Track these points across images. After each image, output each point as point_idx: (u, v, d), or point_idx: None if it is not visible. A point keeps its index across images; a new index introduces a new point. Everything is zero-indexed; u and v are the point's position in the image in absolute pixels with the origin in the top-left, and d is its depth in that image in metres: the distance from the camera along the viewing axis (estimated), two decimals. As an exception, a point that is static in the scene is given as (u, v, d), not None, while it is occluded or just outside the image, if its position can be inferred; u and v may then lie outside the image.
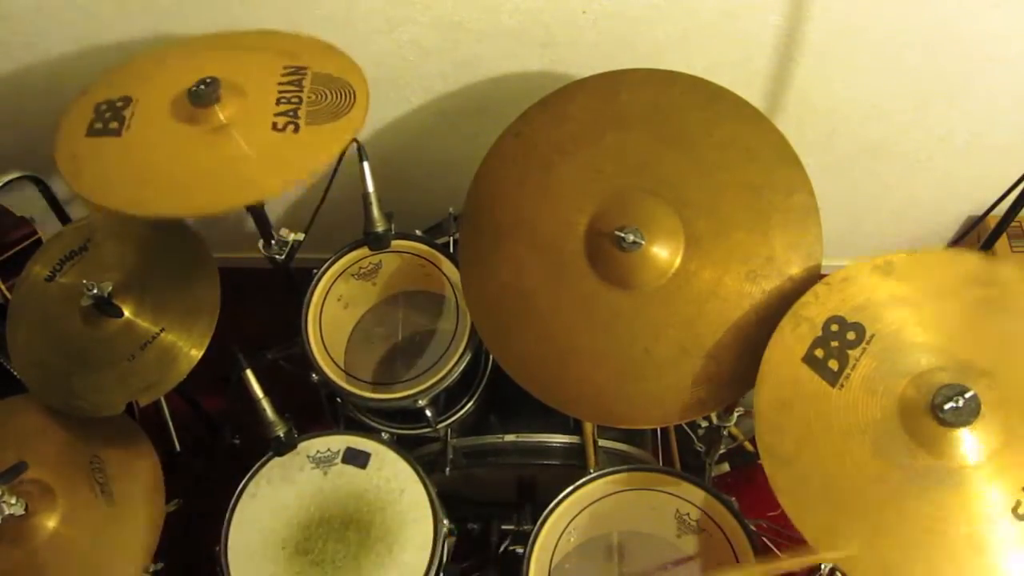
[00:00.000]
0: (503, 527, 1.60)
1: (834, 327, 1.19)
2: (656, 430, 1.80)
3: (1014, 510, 1.06)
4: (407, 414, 1.58)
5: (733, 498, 1.42)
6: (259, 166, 1.27)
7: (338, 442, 1.47)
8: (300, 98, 1.30)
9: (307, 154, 1.28)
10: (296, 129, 1.28)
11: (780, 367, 1.19)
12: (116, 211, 1.27)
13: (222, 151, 1.29)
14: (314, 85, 1.32)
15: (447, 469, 1.58)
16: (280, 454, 1.45)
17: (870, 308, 1.19)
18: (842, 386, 1.16)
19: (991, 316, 1.17)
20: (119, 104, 1.33)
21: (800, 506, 1.12)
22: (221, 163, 1.28)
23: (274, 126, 1.28)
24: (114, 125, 1.32)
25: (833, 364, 1.17)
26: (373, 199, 1.51)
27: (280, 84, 1.32)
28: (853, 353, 1.17)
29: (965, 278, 1.19)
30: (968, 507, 1.07)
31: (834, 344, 1.18)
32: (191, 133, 1.29)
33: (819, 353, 1.18)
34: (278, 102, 1.30)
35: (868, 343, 1.17)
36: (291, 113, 1.29)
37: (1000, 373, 1.13)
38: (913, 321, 1.17)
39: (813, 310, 1.21)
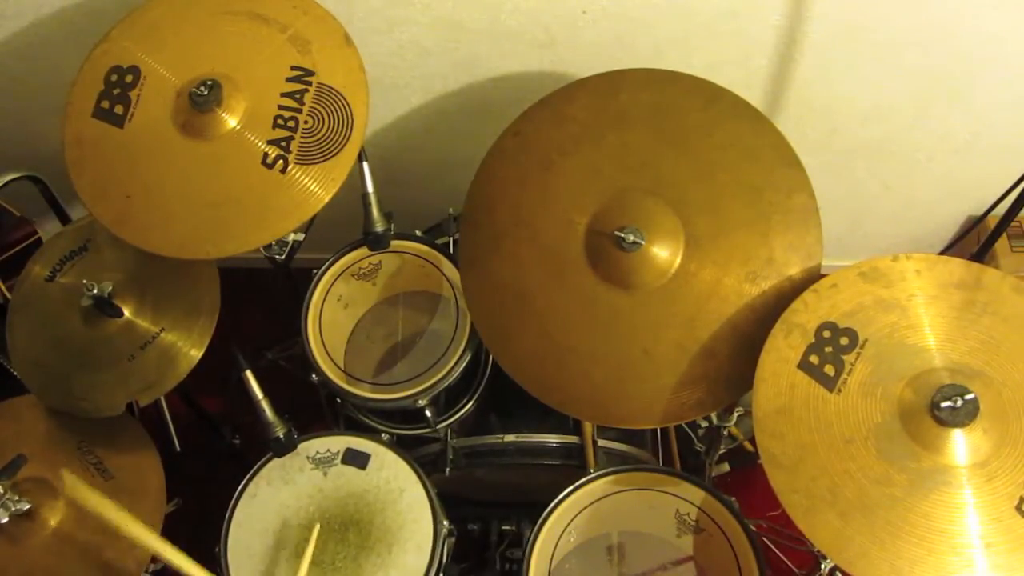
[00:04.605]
0: (503, 527, 1.60)
1: (826, 333, 1.20)
2: (656, 430, 1.80)
3: (1017, 507, 1.06)
4: (407, 414, 1.58)
5: (733, 498, 1.42)
6: (243, 215, 1.30)
7: (338, 443, 1.47)
8: (296, 122, 1.31)
9: (290, 205, 1.29)
10: (285, 167, 1.29)
11: (776, 374, 1.19)
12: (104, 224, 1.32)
13: (213, 185, 1.30)
14: (314, 104, 1.32)
15: (447, 469, 1.58)
16: (279, 455, 1.45)
17: (860, 313, 1.20)
18: (840, 391, 1.17)
19: (978, 319, 1.18)
20: (128, 79, 1.34)
21: (806, 511, 1.13)
22: (207, 206, 1.30)
23: (264, 159, 1.29)
24: (119, 110, 1.33)
25: (829, 370, 1.18)
26: (373, 199, 1.51)
27: (283, 94, 1.32)
28: (848, 358, 1.18)
29: (949, 283, 1.20)
30: (974, 506, 1.07)
31: (828, 350, 1.19)
32: (187, 148, 1.31)
33: (814, 359, 1.19)
34: (275, 123, 1.31)
35: (862, 348, 1.18)
36: (284, 144, 1.30)
37: (992, 373, 1.15)
38: (903, 325, 1.19)
39: (803, 317, 1.21)
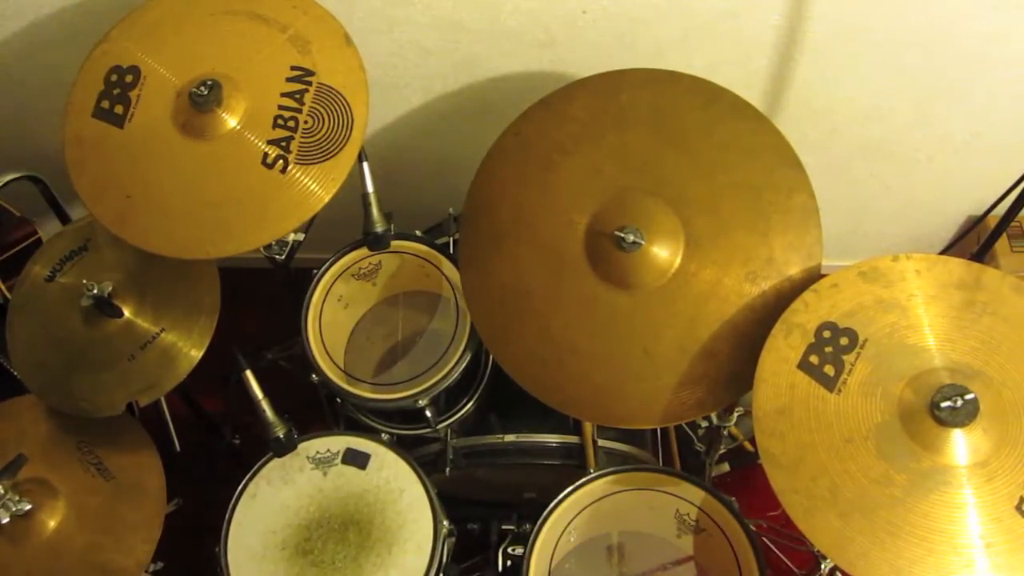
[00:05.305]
0: (503, 527, 1.60)
1: (826, 333, 1.20)
2: (656, 430, 1.80)
3: (1017, 507, 1.07)
4: (407, 414, 1.58)
5: (733, 498, 1.42)
6: (243, 215, 1.30)
7: (338, 443, 1.47)
8: (296, 122, 1.31)
9: (290, 205, 1.29)
10: (284, 167, 1.29)
11: (776, 374, 1.19)
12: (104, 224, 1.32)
13: (213, 185, 1.31)
14: (314, 104, 1.32)
15: (447, 469, 1.58)
16: (279, 455, 1.45)
17: (860, 313, 1.20)
18: (840, 391, 1.17)
19: (978, 319, 1.18)
20: (128, 79, 1.34)
21: (806, 511, 1.13)
22: (207, 206, 1.30)
23: (264, 159, 1.29)
24: (119, 110, 1.33)
25: (829, 370, 1.18)
26: (373, 199, 1.51)
27: (283, 94, 1.32)
28: (848, 358, 1.18)
29: (949, 283, 1.20)
30: (974, 506, 1.08)
31: (828, 350, 1.19)
32: (187, 148, 1.31)
33: (814, 359, 1.19)
34: (275, 123, 1.31)
35: (862, 348, 1.18)
36: (284, 144, 1.30)
37: (992, 373, 1.15)
38: (903, 325, 1.19)
39: (803, 317, 1.21)
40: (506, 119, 1.44)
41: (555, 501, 1.44)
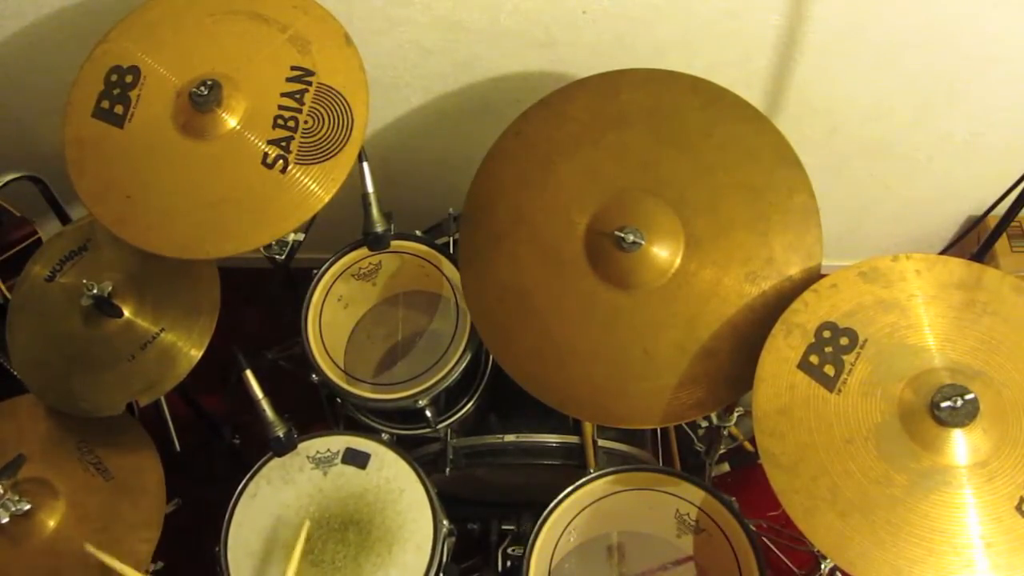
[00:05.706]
0: (503, 527, 1.60)
1: (826, 333, 1.20)
2: (656, 430, 1.80)
3: (1017, 507, 1.07)
4: (407, 414, 1.58)
5: (733, 498, 1.42)
6: (243, 215, 1.30)
7: (338, 442, 1.47)
8: (296, 122, 1.31)
9: (290, 205, 1.29)
10: (284, 167, 1.29)
11: (776, 375, 1.19)
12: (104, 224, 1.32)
13: (212, 185, 1.31)
14: (314, 104, 1.32)
15: (447, 469, 1.58)
16: (280, 455, 1.45)
17: (860, 313, 1.20)
18: (840, 391, 1.17)
19: (978, 319, 1.18)
20: (128, 79, 1.35)
21: (806, 511, 1.13)
22: (207, 206, 1.30)
23: (264, 159, 1.30)
24: (119, 110, 1.33)
25: (829, 370, 1.18)
26: (373, 199, 1.51)
27: (283, 94, 1.32)
28: (848, 358, 1.18)
29: (949, 283, 1.21)
30: (974, 506, 1.08)
31: (828, 350, 1.19)
32: (187, 148, 1.31)
33: (814, 359, 1.19)
34: (275, 123, 1.31)
35: (862, 348, 1.18)
36: (284, 144, 1.30)
37: (992, 373, 1.15)
38: (903, 325, 1.19)
39: (803, 317, 1.21)
40: (506, 119, 1.44)
41: (555, 501, 1.44)
